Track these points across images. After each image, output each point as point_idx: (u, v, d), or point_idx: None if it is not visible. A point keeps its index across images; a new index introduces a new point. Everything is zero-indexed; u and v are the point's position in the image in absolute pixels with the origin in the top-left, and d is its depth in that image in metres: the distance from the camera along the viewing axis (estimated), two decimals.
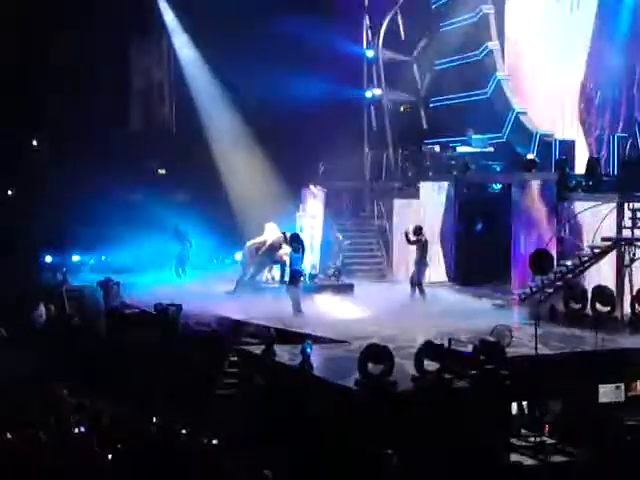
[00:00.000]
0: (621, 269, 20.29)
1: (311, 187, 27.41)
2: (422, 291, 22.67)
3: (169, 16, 32.05)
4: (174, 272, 27.26)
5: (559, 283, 21.03)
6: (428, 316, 19.56)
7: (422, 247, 23.13)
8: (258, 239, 25.13)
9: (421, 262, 23.02)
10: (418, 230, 23.35)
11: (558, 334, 18.71)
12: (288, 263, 22.78)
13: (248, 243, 25.41)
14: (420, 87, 31.14)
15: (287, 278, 22.65)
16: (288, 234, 23.75)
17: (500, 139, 26.79)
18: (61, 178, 29.29)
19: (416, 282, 22.81)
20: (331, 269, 25.79)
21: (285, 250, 23.84)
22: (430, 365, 14.77)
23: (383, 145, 30.78)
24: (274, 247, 24.67)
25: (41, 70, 29.24)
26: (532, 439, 15.12)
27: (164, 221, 27.93)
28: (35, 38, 29.40)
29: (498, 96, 27.25)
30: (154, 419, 15.55)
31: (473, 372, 14.87)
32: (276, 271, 25.19)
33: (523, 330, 18.00)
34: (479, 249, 24.87)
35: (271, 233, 24.96)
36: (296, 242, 22.38)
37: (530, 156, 24.69)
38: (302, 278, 22.48)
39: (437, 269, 25.27)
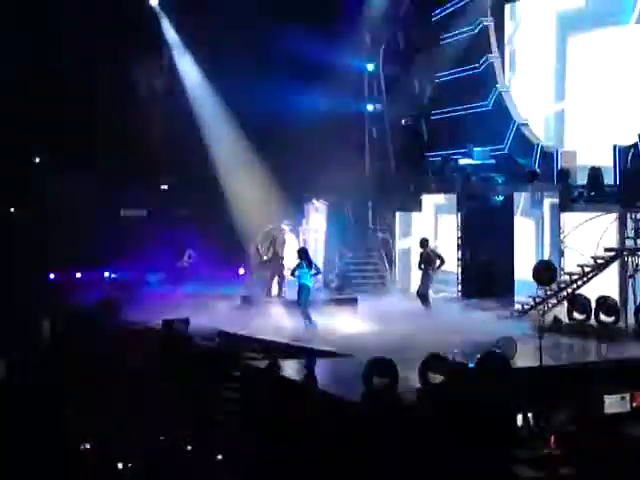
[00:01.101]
0: (625, 279, 20.31)
1: (313, 201, 27.46)
2: (427, 303, 22.65)
3: (170, 33, 32.14)
4: (176, 287, 27.28)
5: (563, 294, 21.07)
6: (432, 328, 19.53)
7: (427, 259, 23.11)
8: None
9: (426, 274, 23.00)
10: (424, 242, 23.36)
11: (562, 345, 18.71)
12: (292, 278, 22.85)
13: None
14: (421, 100, 31.16)
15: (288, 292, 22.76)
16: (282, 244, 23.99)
17: (502, 151, 26.80)
18: (63, 194, 29.34)
19: (421, 294, 22.81)
20: (334, 282, 25.79)
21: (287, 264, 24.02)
22: (435, 378, 14.75)
23: (385, 158, 30.83)
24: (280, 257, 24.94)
25: (41, 86, 29.26)
26: (538, 451, 15.07)
27: (167, 237, 27.97)
28: (36, 53, 29.45)
29: (499, 108, 27.26)
30: (158, 435, 15.53)
31: (477, 384, 14.85)
32: (276, 286, 25.22)
33: (527, 341, 17.97)
34: (482, 261, 24.90)
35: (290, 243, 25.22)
36: (303, 257, 22.41)
37: (532, 168, 24.74)
38: (310, 292, 22.47)
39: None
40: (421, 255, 23.16)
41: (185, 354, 20.28)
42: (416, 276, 23.95)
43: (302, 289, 21.97)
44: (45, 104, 29.27)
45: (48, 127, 29.48)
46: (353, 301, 24.35)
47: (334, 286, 25.82)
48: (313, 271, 22.32)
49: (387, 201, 29.08)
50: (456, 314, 21.76)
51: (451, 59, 28.95)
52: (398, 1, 30.43)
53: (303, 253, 22.69)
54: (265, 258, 25.33)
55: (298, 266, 22.19)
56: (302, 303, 21.80)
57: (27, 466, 13.33)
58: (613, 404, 16.26)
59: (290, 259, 24.26)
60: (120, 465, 13.65)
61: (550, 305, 21.24)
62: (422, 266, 23.06)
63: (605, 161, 23.02)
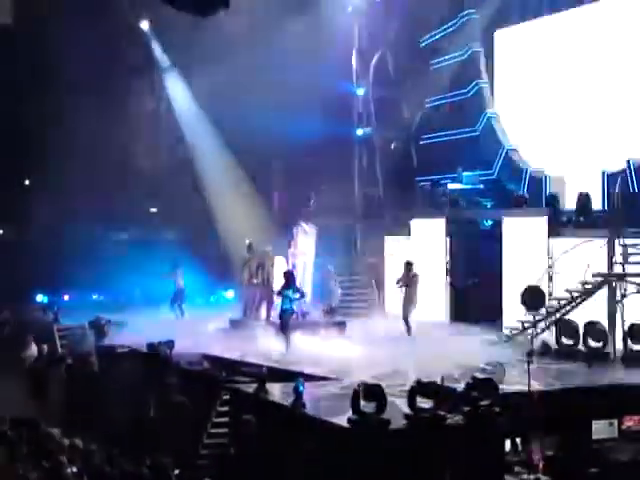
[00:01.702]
0: (613, 304, 20.33)
1: (302, 224, 27.44)
2: (408, 327, 22.62)
3: (162, 56, 32.20)
4: (170, 310, 27.19)
5: (551, 319, 21.09)
6: (420, 353, 19.49)
7: (411, 282, 23.04)
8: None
9: (409, 298, 22.93)
10: (409, 266, 23.28)
11: (550, 370, 18.69)
12: (278, 302, 22.82)
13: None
14: (410, 125, 31.25)
15: (277, 316, 22.71)
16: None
17: (490, 176, 26.88)
18: (52, 216, 29.30)
19: (403, 317, 22.78)
20: (325, 306, 25.73)
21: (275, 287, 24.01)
22: (423, 402, 14.71)
23: (374, 182, 30.88)
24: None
25: (34, 108, 29.31)
26: (526, 476, 15.04)
27: (155, 259, 27.93)
28: (31, 76, 29.55)
29: (488, 133, 27.38)
30: (146, 459, 15.44)
31: (466, 409, 14.82)
32: (264, 310, 25.18)
33: (515, 366, 17.95)
34: (471, 285, 24.91)
35: (279, 266, 25.21)
36: (290, 280, 22.37)
37: (520, 193, 24.82)
38: (293, 316, 22.43)
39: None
40: (412, 277, 23.08)
41: (172, 377, 20.24)
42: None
43: (285, 312, 21.97)
44: (37, 125, 29.35)
45: (39, 150, 29.50)
46: (342, 325, 24.31)
47: (323, 309, 25.75)
48: (297, 295, 22.34)
49: (376, 225, 29.10)
50: (444, 339, 21.74)
51: (440, 84, 29.09)
52: (388, 25, 30.59)
53: (290, 276, 22.68)
54: (255, 282, 25.32)
55: (284, 289, 22.17)
56: (284, 326, 21.80)
57: None
58: (601, 429, 16.27)
59: (278, 282, 24.23)
60: None
61: (538, 330, 21.23)
62: (401, 285, 23.04)
63: (594, 186, 23.12)
